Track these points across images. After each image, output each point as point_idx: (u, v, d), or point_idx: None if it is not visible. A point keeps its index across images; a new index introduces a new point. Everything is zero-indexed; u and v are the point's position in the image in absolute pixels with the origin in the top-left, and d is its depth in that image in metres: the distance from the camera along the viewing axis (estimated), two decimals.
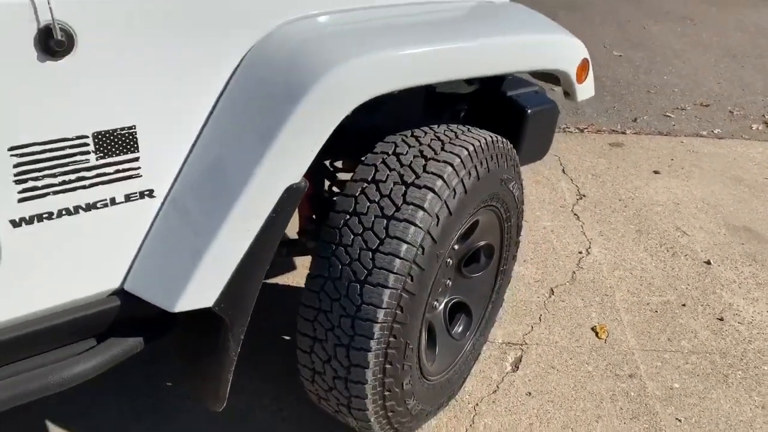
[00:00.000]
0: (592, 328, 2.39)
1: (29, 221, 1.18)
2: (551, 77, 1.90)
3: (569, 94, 1.87)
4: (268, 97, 1.29)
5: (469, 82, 2.00)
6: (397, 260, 1.43)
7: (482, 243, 1.89)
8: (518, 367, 2.19)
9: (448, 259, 1.80)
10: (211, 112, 1.31)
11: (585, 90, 1.88)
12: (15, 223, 1.17)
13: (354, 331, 1.45)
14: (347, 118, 1.37)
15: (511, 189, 1.82)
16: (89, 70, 1.14)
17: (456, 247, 1.78)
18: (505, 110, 2.03)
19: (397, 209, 1.46)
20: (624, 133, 4.27)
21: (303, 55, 1.28)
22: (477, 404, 2.03)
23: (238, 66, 1.31)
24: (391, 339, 1.48)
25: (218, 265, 1.32)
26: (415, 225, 1.44)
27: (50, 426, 1.84)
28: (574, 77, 1.79)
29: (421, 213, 1.45)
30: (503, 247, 1.98)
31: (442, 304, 1.88)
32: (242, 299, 1.36)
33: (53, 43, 1.06)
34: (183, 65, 1.25)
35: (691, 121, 4.51)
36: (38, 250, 1.22)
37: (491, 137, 1.67)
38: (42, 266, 1.24)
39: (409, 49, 1.35)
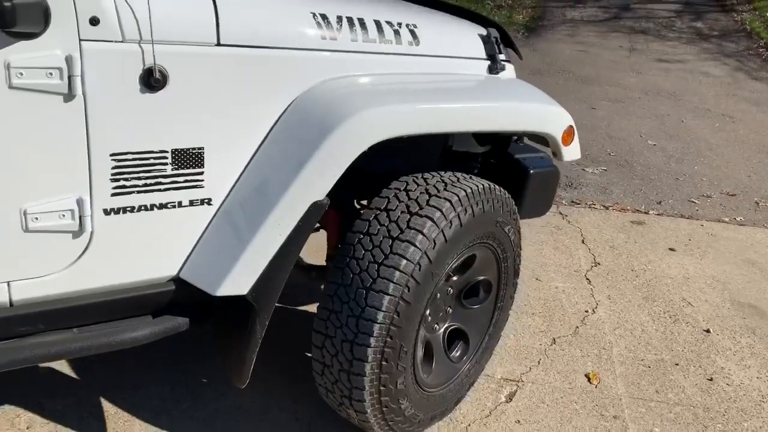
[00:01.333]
0: (586, 375, 2.61)
1: (116, 212, 1.58)
2: (544, 141, 2.25)
3: (556, 154, 2.21)
4: (304, 135, 1.68)
5: (481, 142, 2.37)
6: (397, 272, 1.76)
7: (481, 278, 2.19)
8: (512, 399, 2.43)
9: (449, 289, 2.12)
10: (261, 143, 1.71)
11: (571, 152, 2.22)
12: (106, 212, 1.56)
13: (358, 330, 1.77)
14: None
15: (507, 232, 2.14)
16: (175, 102, 1.55)
17: (455, 278, 2.10)
18: (511, 170, 2.37)
19: (401, 232, 1.80)
20: (647, 213, 4.51)
21: (331, 106, 1.68)
22: (470, 424, 2.27)
23: (285, 110, 1.72)
24: (388, 339, 1.79)
25: (253, 261, 1.68)
26: (415, 246, 1.78)
27: (103, 403, 2.18)
28: (559, 140, 2.13)
29: (420, 236, 1.79)
30: (500, 285, 2.27)
31: (442, 329, 2.17)
32: (270, 291, 1.71)
33: (152, 80, 1.48)
34: (245, 105, 1.66)
35: (716, 208, 4.73)
36: (120, 236, 1.61)
37: (489, 185, 2.01)
38: (121, 249, 1.63)
39: (410, 105, 1.74)
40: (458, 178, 1.98)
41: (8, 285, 1.52)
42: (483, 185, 1.99)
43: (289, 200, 1.66)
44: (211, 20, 1.55)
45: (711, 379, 2.67)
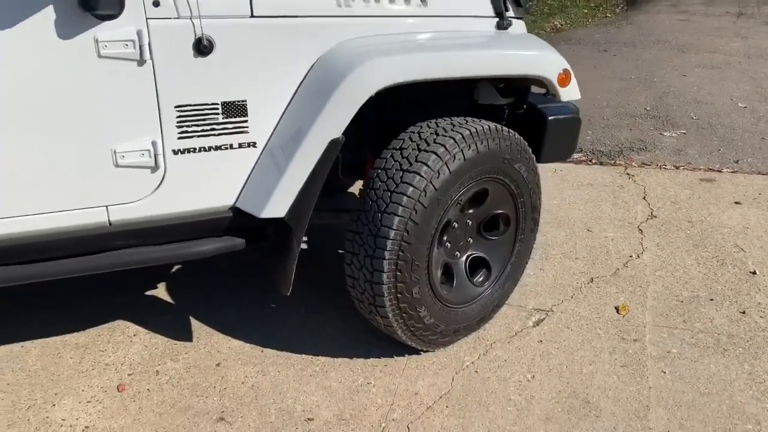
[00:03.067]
0: (615, 307, 2.82)
1: (182, 152, 2.05)
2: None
3: (555, 95, 2.46)
4: (322, 86, 2.08)
5: (503, 94, 2.65)
6: (405, 197, 2.12)
7: (498, 211, 2.49)
8: (538, 325, 2.69)
9: (468, 221, 2.44)
10: (293, 96, 2.13)
11: (569, 93, 2.45)
12: (174, 152, 2.04)
13: (375, 245, 2.15)
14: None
15: (517, 169, 2.41)
16: (221, 64, 2.00)
17: (471, 210, 2.41)
18: (533, 118, 2.64)
19: (410, 165, 2.15)
20: (720, 171, 4.50)
21: (342, 61, 2.07)
22: (494, 342, 2.57)
23: (311, 67, 2.12)
24: (400, 253, 2.15)
25: (287, 190, 2.11)
26: (420, 175, 2.13)
27: (192, 320, 2.70)
28: (555, 81, 2.38)
29: (425, 168, 2.14)
30: (518, 219, 2.55)
31: (464, 256, 2.50)
32: (302, 214, 2.13)
33: (202, 47, 1.94)
34: (277, 66, 2.08)
35: None
36: (187, 172, 2.09)
37: (494, 126, 2.31)
38: (189, 182, 2.11)
39: (407, 55, 2.09)
40: (466, 121, 2.30)
41: (107, 209, 2.04)
42: (488, 126, 2.29)
43: (312, 139, 2.07)
44: None
45: (744, 312, 2.77)
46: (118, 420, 2.14)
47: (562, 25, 9.72)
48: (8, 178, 1.88)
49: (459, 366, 2.44)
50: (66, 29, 1.79)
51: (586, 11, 10.69)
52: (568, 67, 2.40)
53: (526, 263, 2.72)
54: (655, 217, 3.75)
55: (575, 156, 4.74)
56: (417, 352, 2.47)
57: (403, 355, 2.47)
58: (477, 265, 2.54)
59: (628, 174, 4.43)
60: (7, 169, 1.87)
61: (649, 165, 4.61)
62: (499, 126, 2.34)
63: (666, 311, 2.79)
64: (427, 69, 2.15)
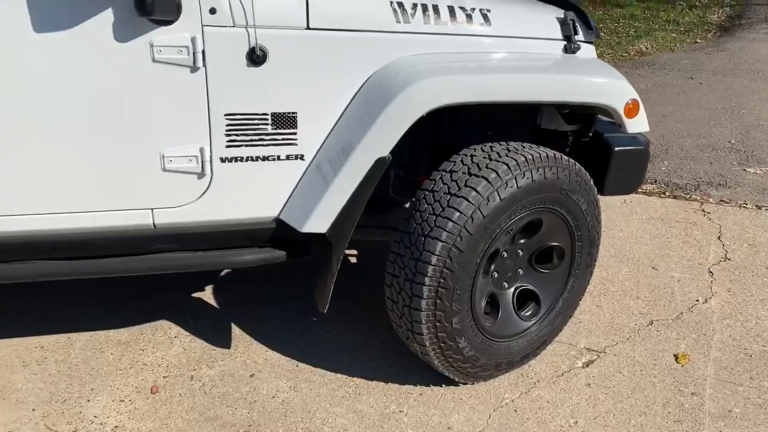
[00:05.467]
0: (674, 355, 2.62)
1: (230, 160, 2.04)
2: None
3: (620, 125, 2.30)
4: (373, 103, 2.02)
5: (568, 121, 2.53)
6: (450, 223, 2.03)
7: (552, 244, 2.36)
8: (588, 366, 2.53)
9: (519, 250, 2.32)
10: (344, 111, 2.08)
11: (636, 125, 2.29)
12: (222, 160, 2.03)
13: (416, 270, 2.07)
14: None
15: (576, 201, 2.28)
16: (273, 75, 1.97)
17: (523, 240, 2.30)
18: (598, 147, 2.50)
19: (459, 189, 2.06)
20: None
21: (397, 78, 2.00)
22: (538, 381, 2.44)
23: (364, 83, 2.07)
24: (441, 280, 2.06)
25: (330, 206, 2.06)
26: (468, 201, 2.03)
27: (233, 326, 2.69)
28: (621, 112, 2.23)
29: (474, 193, 2.04)
30: (574, 253, 2.41)
31: (512, 288, 2.38)
32: (343, 231, 2.07)
33: (255, 56, 1.92)
34: (330, 79, 2.04)
35: None
36: (233, 181, 2.07)
37: (552, 154, 2.19)
38: (234, 191, 2.09)
39: (463, 76, 2.00)
40: (523, 147, 2.19)
41: (152, 212, 2.05)
42: (546, 154, 2.17)
43: (359, 156, 2.01)
44: (302, 9, 1.95)
45: None
46: (146, 423, 2.14)
47: (647, 48, 9.35)
48: (63, 176, 1.92)
49: (498, 403, 2.32)
50: (123, 33, 1.81)
51: (674, 35, 10.26)
52: (636, 97, 2.25)
53: (580, 300, 2.57)
54: (729, 259, 3.49)
55: (647, 187, 4.51)
56: (455, 383, 2.37)
57: (440, 385, 2.38)
58: (526, 298, 2.42)
59: (703, 211, 4.16)
60: (63, 167, 1.90)
61: (728, 203, 4.32)
62: (558, 154, 2.22)
63: (731, 365, 2.57)
64: (484, 91, 2.05)
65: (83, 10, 1.76)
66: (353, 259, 3.28)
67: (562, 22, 2.34)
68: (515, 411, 2.28)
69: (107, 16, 1.79)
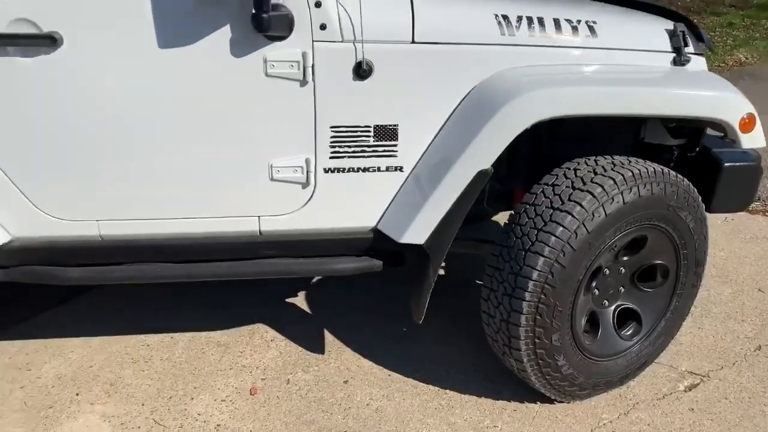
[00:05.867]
0: None
1: (333, 171, 2.09)
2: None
3: (734, 141, 2.19)
4: (477, 115, 2.02)
5: (674, 135, 2.44)
6: (553, 238, 2.00)
7: (657, 261, 2.28)
8: (690, 390, 2.43)
9: (621, 268, 2.26)
10: (445, 122, 2.09)
11: (752, 140, 2.18)
12: (325, 170, 2.09)
13: (515, 285, 2.05)
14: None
15: (683, 218, 2.19)
16: (378, 88, 2.01)
17: (626, 258, 2.23)
18: (706, 162, 2.40)
19: (562, 203, 2.03)
20: None
21: (501, 90, 2.00)
22: (638, 402, 2.35)
23: (466, 95, 2.07)
24: (542, 296, 2.03)
25: (429, 217, 2.07)
26: (572, 216, 2.00)
27: (325, 332, 2.75)
28: (736, 126, 2.12)
29: (578, 208, 2.00)
30: (679, 272, 2.31)
31: (613, 306, 2.31)
32: (441, 243, 2.08)
33: (361, 71, 1.96)
34: (433, 92, 2.06)
35: None
36: (335, 191, 2.12)
37: (660, 169, 2.12)
38: (336, 201, 2.14)
39: (568, 89, 1.97)
40: (629, 162, 2.13)
41: (258, 219, 2.13)
42: (653, 169, 2.10)
43: (460, 168, 2.02)
44: (408, 23, 1.98)
45: None
46: (247, 423, 2.22)
47: (747, 59, 8.88)
48: (180, 183, 2.02)
49: (595, 423, 2.25)
50: (239, 48, 1.89)
51: None
52: (753, 111, 2.15)
53: (684, 320, 2.46)
54: None
55: (752, 205, 4.28)
56: (550, 401, 2.32)
57: (535, 402, 2.33)
58: (627, 316, 2.35)
59: None
60: (180, 174, 2.01)
61: None
62: (665, 169, 2.15)
63: None
64: (590, 104, 2.02)
65: (204, 26, 1.86)
66: (445, 272, 3.27)
67: (672, 34, 2.26)
68: None
69: (225, 32, 1.88)
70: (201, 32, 1.87)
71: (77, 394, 2.32)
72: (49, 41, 1.82)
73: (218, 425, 2.20)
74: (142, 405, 2.28)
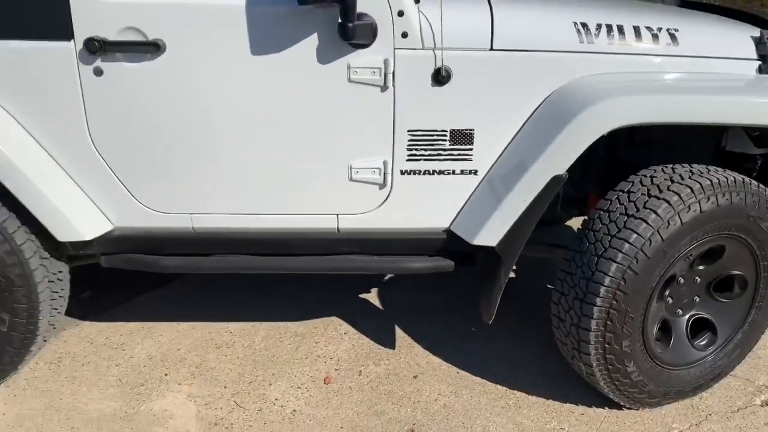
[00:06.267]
0: None
1: (409, 173, 2.18)
2: None
3: None
4: (553, 121, 2.05)
5: (758, 144, 2.39)
6: (627, 244, 2.01)
7: (734, 272, 2.24)
8: (767, 405, 2.37)
9: (696, 277, 2.24)
10: (521, 128, 2.14)
11: None
12: (402, 172, 2.17)
13: (587, 290, 2.07)
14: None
15: (764, 228, 2.15)
16: (455, 94, 2.08)
17: (702, 267, 2.21)
18: None
19: (637, 210, 2.04)
20: None
21: (577, 97, 2.02)
22: (710, 414, 2.32)
23: (543, 101, 2.11)
24: (614, 302, 2.04)
25: (503, 220, 2.12)
26: (647, 222, 2.00)
27: (396, 329, 2.84)
28: None
29: (653, 216, 2.01)
30: (758, 284, 2.27)
31: (687, 315, 2.29)
32: (513, 245, 2.13)
33: (440, 77, 2.03)
34: (510, 98, 2.11)
35: None
36: (410, 192, 2.21)
37: (741, 178, 2.09)
38: (411, 202, 2.22)
39: (646, 97, 1.98)
40: (708, 170, 2.11)
41: (337, 217, 2.23)
42: (733, 178, 2.07)
43: (534, 173, 2.06)
44: (487, 31, 2.04)
45: None
46: (320, 410, 2.33)
47: None
48: (265, 181, 2.16)
49: None
50: (325, 56, 2.00)
51: None
52: None
53: (762, 333, 2.41)
54: None
55: None
56: (619, 407, 2.33)
57: (603, 407, 2.34)
58: (701, 326, 2.32)
59: None
60: (267, 173, 2.14)
61: None
62: (746, 179, 2.11)
63: None
64: (669, 112, 2.01)
65: (293, 35, 1.98)
66: (517, 275, 3.30)
67: (758, 41, 2.22)
68: None
69: (313, 41, 1.99)
70: (290, 41, 1.99)
71: (166, 374, 2.51)
72: (153, 48, 1.99)
73: (294, 411, 2.33)
74: (225, 387, 2.44)
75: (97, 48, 1.96)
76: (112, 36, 1.98)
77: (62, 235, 2.14)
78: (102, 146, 2.10)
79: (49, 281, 2.27)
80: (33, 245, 2.19)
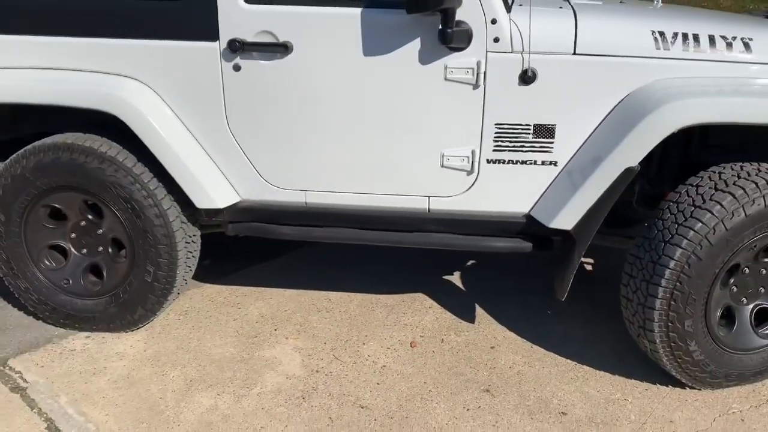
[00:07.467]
0: None
1: (494, 162, 2.46)
2: None
3: None
4: (627, 119, 2.28)
5: None
6: (692, 232, 2.22)
7: None
8: None
9: (762, 269, 2.40)
10: (598, 125, 2.38)
11: None
12: (488, 161, 2.46)
13: (653, 272, 2.29)
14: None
15: None
16: (540, 93, 2.35)
17: (766, 259, 2.37)
18: None
19: (704, 202, 2.24)
20: None
21: (651, 98, 2.24)
22: None
23: (620, 102, 2.34)
24: (678, 284, 2.26)
25: (578, 206, 2.37)
26: (711, 213, 2.21)
27: (477, 308, 3.12)
28: None
29: (718, 207, 2.21)
30: None
31: (752, 304, 2.45)
32: (587, 230, 2.37)
33: (527, 77, 2.31)
34: (589, 98, 2.35)
35: None
36: (495, 179, 2.49)
37: None
38: (495, 188, 2.51)
39: (713, 98, 2.17)
40: None
41: (428, 199, 2.55)
42: None
43: (609, 164, 2.30)
44: (571, 37, 2.30)
45: None
46: (407, 367, 2.66)
47: None
48: (369, 164, 2.51)
49: (724, 410, 2.42)
50: (426, 57, 2.33)
51: None
52: None
53: None
54: None
55: None
56: (681, 385, 2.51)
57: (666, 385, 2.54)
58: (766, 316, 2.47)
59: None
60: (371, 158, 2.49)
61: None
62: None
63: None
64: (731, 113, 2.19)
65: (400, 39, 2.31)
66: (590, 267, 3.51)
67: None
68: (742, 420, 2.36)
69: (416, 44, 2.32)
70: (398, 44, 2.32)
71: (275, 330, 2.91)
72: (283, 48, 2.38)
73: (384, 366, 2.67)
74: (325, 343, 2.81)
75: (237, 47, 2.38)
76: (249, 38, 2.38)
77: (201, 203, 2.58)
78: (236, 130, 2.52)
79: (186, 242, 2.71)
80: (175, 210, 2.64)
